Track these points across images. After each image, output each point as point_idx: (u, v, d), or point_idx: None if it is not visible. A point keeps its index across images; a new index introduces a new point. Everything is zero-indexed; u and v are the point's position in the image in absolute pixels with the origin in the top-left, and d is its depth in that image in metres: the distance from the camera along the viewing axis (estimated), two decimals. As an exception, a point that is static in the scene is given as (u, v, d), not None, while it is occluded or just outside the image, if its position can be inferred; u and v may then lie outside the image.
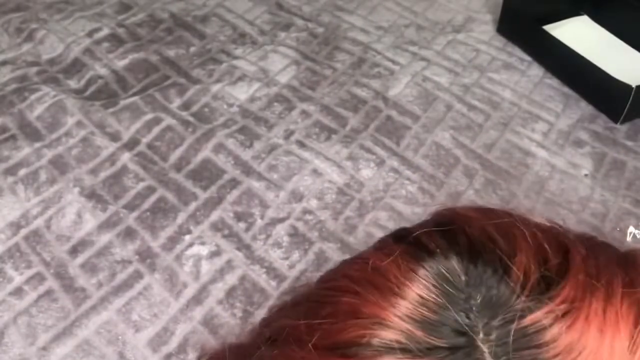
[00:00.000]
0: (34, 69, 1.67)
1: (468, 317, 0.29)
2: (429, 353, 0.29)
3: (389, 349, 0.28)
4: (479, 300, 0.30)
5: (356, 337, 0.29)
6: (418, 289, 0.30)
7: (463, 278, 0.31)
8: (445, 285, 0.30)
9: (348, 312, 0.30)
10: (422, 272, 0.31)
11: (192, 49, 1.76)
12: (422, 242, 0.33)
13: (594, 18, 1.85)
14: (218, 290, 1.20)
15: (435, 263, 0.31)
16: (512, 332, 0.29)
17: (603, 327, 0.29)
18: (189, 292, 1.19)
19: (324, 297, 0.32)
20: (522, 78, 1.69)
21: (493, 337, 0.29)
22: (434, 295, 0.30)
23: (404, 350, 0.28)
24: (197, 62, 1.72)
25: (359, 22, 1.88)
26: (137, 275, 1.21)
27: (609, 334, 0.29)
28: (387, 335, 0.29)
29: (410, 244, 0.33)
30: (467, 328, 0.29)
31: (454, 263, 0.32)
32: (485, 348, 0.28)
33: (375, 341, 0.29)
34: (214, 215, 1.32)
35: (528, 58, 1.75)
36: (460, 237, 0.33)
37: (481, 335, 0.29)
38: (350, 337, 0.29)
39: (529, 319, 0.29)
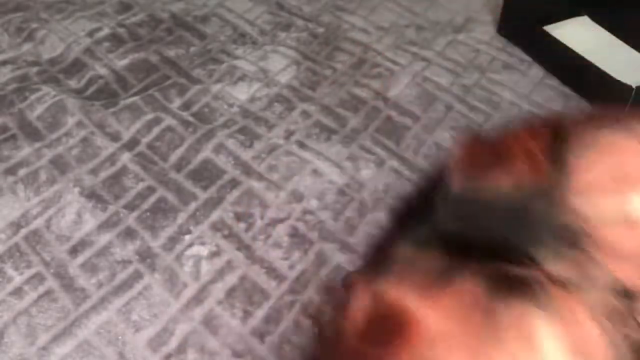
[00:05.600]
0: (35, 69, 1.67)
1: None
2: None
3: None
4: None
5: None
6: None
7: None
8: None
9: None
10: None
11: (192, 49, 1.76)
12: None
13: (594, 19, 1.85)
14: (218, 290, 1.19)
15: None
16: None
17: None
18: (189, 292, 1.19)
19: None
20: (522, 78, 1.68)
21: None
22: None
23: None
24: (197, 62, 1.72)
25: (359, 22, 1.88)
26: (137, 276, 1.21)
27: None
28: None
29: None
30: None
31: None
32: None
33: None
34: (214, 216, 1.32)
35: (528, 58, 1.74)
36: None
37: None
38: None
39: None
